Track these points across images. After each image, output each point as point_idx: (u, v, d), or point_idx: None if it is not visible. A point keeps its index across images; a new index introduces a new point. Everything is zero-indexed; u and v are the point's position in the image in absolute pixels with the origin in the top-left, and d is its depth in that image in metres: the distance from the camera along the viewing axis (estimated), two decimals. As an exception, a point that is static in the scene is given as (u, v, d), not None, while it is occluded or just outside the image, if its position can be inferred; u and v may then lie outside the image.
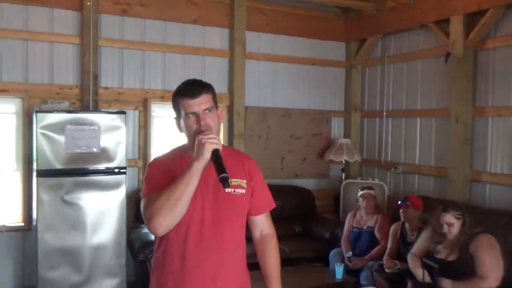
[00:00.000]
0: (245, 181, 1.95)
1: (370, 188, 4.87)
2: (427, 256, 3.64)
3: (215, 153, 1.75)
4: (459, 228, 3.55)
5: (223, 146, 1.86)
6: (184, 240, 1.85)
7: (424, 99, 5.35)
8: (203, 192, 1.86)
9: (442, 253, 3.62)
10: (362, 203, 4.79)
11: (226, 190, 1.84)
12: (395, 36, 5.69)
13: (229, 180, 1.72)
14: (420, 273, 3.67)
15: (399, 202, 4.37)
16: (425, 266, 3.61)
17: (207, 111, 1.87)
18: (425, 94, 5.33)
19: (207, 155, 1.74)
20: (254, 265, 2.10)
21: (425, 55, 5.30)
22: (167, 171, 1.85)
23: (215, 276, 1.89)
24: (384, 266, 4.13)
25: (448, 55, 4.71)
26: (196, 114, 1.86)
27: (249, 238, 2.06)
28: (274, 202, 2.11)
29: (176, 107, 1.92)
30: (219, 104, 1.99)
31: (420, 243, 3.88)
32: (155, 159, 2.00)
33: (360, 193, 4.84)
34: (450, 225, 3.55)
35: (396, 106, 5.72)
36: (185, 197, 1.73)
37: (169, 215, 1.72)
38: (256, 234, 2.07)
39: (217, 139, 1.78)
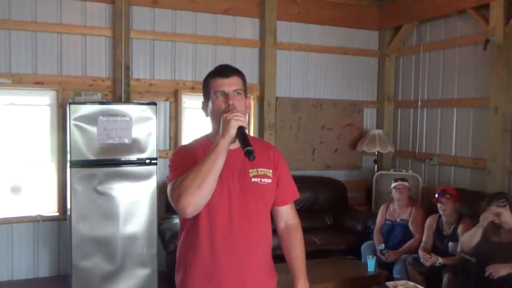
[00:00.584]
0: (271, 170, 1.94)
1: (403, 179, 4.74)
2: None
3: (241, 129, 1.75)
4: (510, 213, 3.57)
5: (248, 135, 1.83)
6: (213, 229, 1.84)
7: (462, 89, 5.16)
8: (229, 180, 1.85)
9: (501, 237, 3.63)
10: (395, 195, 4.68)
11: (253, 180, 1.86)
12: (431, 23, 5.50)
13: (254, 152, 1.70)
14: None
15: (437, 195, 4.24)
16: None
17: (236, 93, 1.87)
18: (463, 83, 5.15)
19: (232, 131, 1.72)
20: (278, 257, 2.07)
21: (463, 42, 5.11)
22: (192, 158, 1.84)
23: (244, 266, 1.88)
24: (425, 261, 4.01)
25: (487, 42, 4.53)
26: (225, 94, 1.86)
27: (273, 230, 2.02)
28: (298, 192, 2.08)
29: (206, 89, 1.93)
30: (248, 95, 1.99)
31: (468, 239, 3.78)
32: (180, 148, 2.01)
33: (393, 184, 4.72)
34: (498, 215, 3.57)
35: (432, 96, 5.54)
36: (212, 175, 1.70)
37: (197, 193, 1.68)
38: (281, 224, 2.05)
39: (243, 117, 1.76)
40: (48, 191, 4.91)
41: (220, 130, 1.75)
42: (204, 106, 1.96)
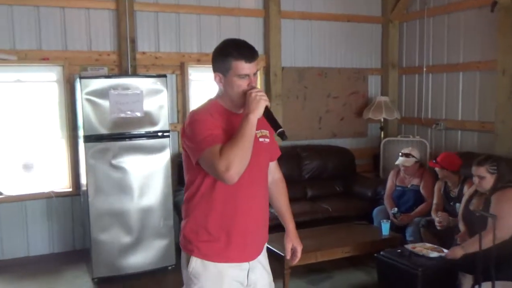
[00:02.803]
0: (267, 131, 2.15)
1: (409, 155, 4.67)
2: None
3: (267, 109, 1.96)
4: (492, 182, 3.48)
5: None
6: (239, 182, 1.91)
7: (467, 53, 5.17)
8: None
9: (473, 205, 3.59)
10: (401, 170, 4.72)
11: (260, 139, 2.07)
12: (435, -13, 5.48)
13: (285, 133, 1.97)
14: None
15: (433, 161, 4.33)
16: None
17: (254, 75, 2.02)
18: (468, 47, 5.16)
19: (261, 109, 1.93)
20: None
21: (468, 6, 5.09)
22: (216, 124, 1.96)
23: (260, 217, 2.13)
24: (437, 221, 4.09)
25: (494, 4, 4.52)
26: (248, 76, 1.98)
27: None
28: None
29: (224, 65, 1.98)
30: None
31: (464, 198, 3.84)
32: (198, 115, 2.01)
33: (399, 160, 4.70)
34: (481, 178, 3.50)
35: (437, 61, 5.56)
36: (251, 146, 1.91)
37: (242, 163, 1.88)
38: (269, 179, 2.24)
39: (267, 97, 1.98)
40: (60, 167, 4.91)
41: (249, 106, 1.92)
42: (218, 78, 2.02)
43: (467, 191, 4.07)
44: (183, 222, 2.13)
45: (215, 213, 2.02)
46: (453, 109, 5.38)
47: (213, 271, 2.04)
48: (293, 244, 2.30)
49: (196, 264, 2.04)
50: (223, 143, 1.88)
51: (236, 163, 1.84)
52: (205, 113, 2.01)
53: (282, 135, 1.95)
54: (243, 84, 1.97)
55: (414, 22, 5.85)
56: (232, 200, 2.01)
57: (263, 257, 2.19)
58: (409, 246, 3.71)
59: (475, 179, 3.55)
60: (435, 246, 3.71)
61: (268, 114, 1.96)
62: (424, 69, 5.67)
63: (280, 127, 1.96)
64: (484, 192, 3.53)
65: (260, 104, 1.92)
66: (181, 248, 2.12)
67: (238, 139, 1.87)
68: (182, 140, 2.03)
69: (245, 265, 2.09)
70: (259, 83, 5.57)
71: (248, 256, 2.09)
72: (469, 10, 5.11)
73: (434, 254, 3.57)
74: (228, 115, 2.03)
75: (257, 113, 1.92)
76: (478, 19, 5.01)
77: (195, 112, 2.04)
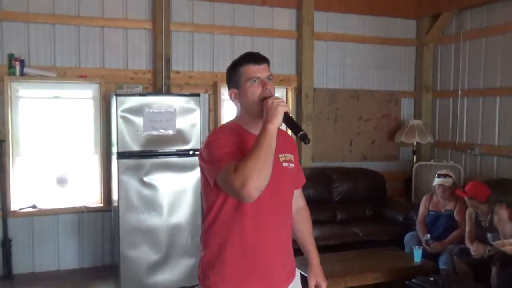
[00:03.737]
0: (292, 156, 2.03)
1: (446, 175, 4.60)
2: None
3: (287, 115, 1.82)
4: None
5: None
6: (260, 209, 1.86)
7: (505, 77, 5.07)
8: None
9: None
10: (438, 191, 4.61)
11: (283, 164, 1.95)
12: (471, 10, 5.40)
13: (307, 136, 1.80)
14: None
15: (462, 190, 4.25)
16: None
17: (268, 79, 1.91)
18: (506, 71, 5.05)
19: (280, 117, 1.78)
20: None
21: (506, 30, 5.00)
22: (233, 144, 1.86)
23: (278, 248, 1.96)
24: (473, 252, 3.97)
25: (534, 28, 4.43)
26: (260, 79, 1.89)
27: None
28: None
29: (236, 77, 1.92)
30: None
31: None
32: (216, 135, 1.93)
33: (436, 181, 4.63)
34: None
35: (472, 85, 5.46)
36: (271, 157, 1.74)
37: (261, 177, 1.70)
38: (293, 207, 2.11)
39: (285, 103, 1.82)
40: (92, 183, 5.00)
41: (267, 115, 1.78)
42: (233, 94, 1.95)
43: (497, 219, 3.96)
44: (201, 253, 2.00)
45: (234, 244, 1.88)
46: (489, 134, 5.26)
47: None
48: (317, 280, 2.15)
49: None
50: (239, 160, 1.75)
51: (253, 176, 1.67)
52: (220, 133, 1.94)
53: (304, 138, 1.78)
54: (256, 89, 1.87)
55: (449, 45, 5.78)
56: (253, 230, 1.87)
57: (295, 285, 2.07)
58: (497, 243, 3.55)
59: None
60: None
61: (288, 119, 1.82)
62: (459, 92, 5.57)
63: (301, 130, 1.80)
64: None
65: (278, 110, 1.77)
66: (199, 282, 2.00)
67: (255, 151, 1.72)
68: (200, 163, 1.93)
69: None
70: (290, 102, 5.59)
71: (267, 285, 1.94)
72: (507, 34, 5.02)
73: None
74: (246, 134, 1.91)
75: (276, 121, 1.76)
76: (516, 44, 4.92)
77: (210, 134, 1.96)
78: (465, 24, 5.52)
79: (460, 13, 5.55)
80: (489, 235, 4.10)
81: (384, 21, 5.96)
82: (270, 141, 1.74)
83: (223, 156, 1.79)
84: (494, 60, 5.19)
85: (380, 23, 5.95)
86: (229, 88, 1.97)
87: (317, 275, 2.16)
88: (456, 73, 5.65)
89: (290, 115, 1.84)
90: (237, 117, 2.00)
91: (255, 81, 1.88)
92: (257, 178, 1.69)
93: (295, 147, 2.10)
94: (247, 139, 1.88)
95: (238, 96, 1.92)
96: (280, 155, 1.92)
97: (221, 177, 1.77)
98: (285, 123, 1.83)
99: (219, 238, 1.90)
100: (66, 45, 4.80)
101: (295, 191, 2.09)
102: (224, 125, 2.06)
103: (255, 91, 1.87)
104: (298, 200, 2.16)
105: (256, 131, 1.84)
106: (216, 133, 1.97)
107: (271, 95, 1.86)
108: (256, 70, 1.89)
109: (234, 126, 1.96)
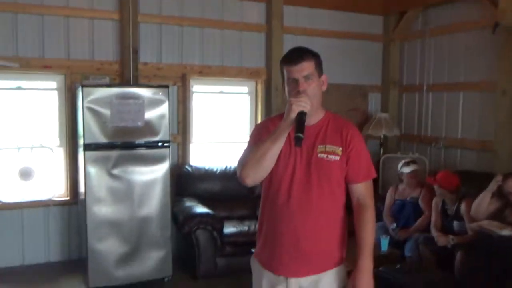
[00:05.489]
0: (340, 148, 1.99)
1: (414, 162, 4.78)
2: None
3: (300, 115, 1.85)
4: None
5: (328, 112, 2.06)
6: (276, 197, 2.00)
7: (468, 73, 5.22)
8: (297, 154, 1.99)
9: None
10: (407, 179, 4.73)
11: (319, 155, 1.97)
12: (436, 8, 5.53)
13: (302, 140, 1.83)
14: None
15: (432, 178, 4.38)
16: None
17: (307, 78, 1.94)
18: (469, 67, 5.20)
19: (292, 115, 1.85)
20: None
21: (469, 27, 5.15)
22: (264, 134, 1.99)
23: (299, 236, 1.98)
24: (437, 241, 4.08)
25: (496, 25, 4.57)
26: (296, 81, 1.94)
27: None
28: (374, 172, 2.08)
29: (282, 73, 2.03)
30: (324, 73, 2.06)
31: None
32: (257, 124, 2.26)
33: (406, 169, 4.74)
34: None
35: (437, 80, 5.59)
36: (271, 153, 1.89)
37: (255, 167, 1.90)
38: (354, 201, 2.06)
39: (305, 102, 1.85)
40: (57, 176, 4.88)
41: (285, 114, 1.88)
42: (283, 87, 2.05)
43: (464, 209, 4.10)
44: None
45: (262, 213, 2.10)
46: (453, 128, 5.41)
47: (256, 270, 2.14)
48: (353, 285, 1.98)
49: (252, 258, 2.18)
50: None
51: (248, 165, 1.90)
52: (260, 124, 2.21)
53: (296, 140, 1.83)
54: (292, 89, 1.95)
55: (415, 41, 5.91)
56: (272, 208, 2.02)
57: (321, 284, 2.01)
58: (475, 224, 3.58)
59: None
60: (502, 225, 3.54)
61: (298, 120, 1.85)
62: (425, 87, 5.71)
63: (300, 132, 1.82)
64: None
65: (291, 109, 1.84)
66: None
67: (259, 144, 1.93)
68: None
69: (282, 279, 2.01)
70: (260, 95, 5.60)
71: (280, 269, 2.01)
72: (471, 31, 5.17)
73: (507, 232, 3.34)
74: None
75: (288, 119, 1.85)
76: (479, 40, 5.06)
77: (262, 120, 2.23)
78: (430, 21, 5.65)
79: (425, 10, 5.68)
80: (455, 223, 4.23)
81: (352, 17, 6.03)
82: (276, 137, 1.88)
83: (247, 145, 2.04)
84: (457, 56, 5.33)
85: (348, 19, 6.02)
86: (282, 81, 2.07)
87: (356, 279, 1.97)
88: (422, 69, 5.78)
89: (305, 116, 1.86)
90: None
91: (291, 81, 1.96)
92: (250, 168, 1.90)
93: (352, 140, 2.00)
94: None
95: (285, 91, 2.03)
96: (319, 146, 1.97)
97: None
98: (295, 122, 1.86)
99: (261, 209, 2.13)
100: (30, 35, 4.67)
101: (355, 186, 2.02)
102: (272, 116, 2.25)
103: (290, 91, 1.96)
104: (359, 196, 2.03)
105: None
106: (259, 123, 2.22)
107: (302, 93, 1.90)
108: (292, 71, 1.95)
109: (276, 118, 2.08)
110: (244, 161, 1.93)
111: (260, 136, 2.00)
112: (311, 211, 1.97)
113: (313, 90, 1.96)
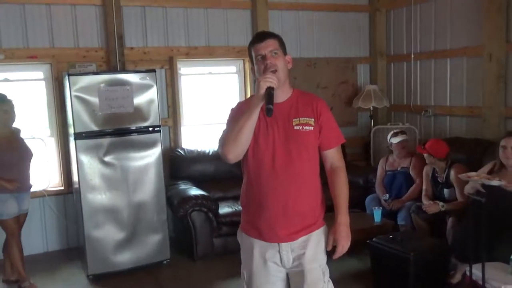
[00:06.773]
0: (313, 119, 2.17)
1: (403, 132, 4.81)
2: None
3: (268, 90, 2.00)
4: None
5: (296, 89, 2.23)
6: (260, 171, 2.14)
7: (454, 39, 5.21)
8: (274, 129, 2.14)
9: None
10: (396, 149, 4.76)
11: (295, 127, 2.13)
12: (421, -26, 5.49)
13: (272, 110, 1.99)
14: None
15: (421, 147, 4.41)
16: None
17: (273, 54, 2.10)
18: (455, 33, 5.19)
19: (261, 92, 2.00)
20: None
21: (454, -9, 5.12)
22: (238, 114, 2.15)
23: (286, 203, 2.13)
24: (426, 210, 4.13)
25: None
26: (264, 56, 2.10)
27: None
28: (343, 138, 2.27)
29: (250, 55, 2.18)
30: (288, 54, 2.22)
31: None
32: (237, 104, 2.30)
33: (394, 139, 4.78)
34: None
35: (424, 48, 5.59)
36: (246, 128, 2.05)
37: (233, 143, 2.06)
38: (327, 167, 2.26)
39: (272, 79, 2.01)
40: (51, 166, 4.89)
41: (256, 91, 2.05)
42: (252, 70, 2.21)
43: (453, 175, 4.14)
44: None
45: (247, 189, 2.22)
46: (441, 96, 5.43)
47: (246, 242, 2.25)
48: (335, 237, 2.17)
49: (238, 233, 2.31)
50: None
51: (227, 142, 2.06)
52: (238, 104, 2.28)
53: (267, 111, 1.99)
54: (261, 64, 2.10)
55: (401, 9, 5.88)
56: (257, 181, 2.15)
57: (310, 244, 2.16)
58: (464, 176, 3.62)
59: (508, 151, 3.61)
60: (489, 176, 3.54)
61: (266, 94, 1.99)
62: (412, 56, 5.70)
63: (269, 104, 1.97)
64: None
65: (260, 85, 1.99)
66: None
67: (235, 121, 2.07)
68: None
69: (275, 245, 2.16)
70: (248, 73, 5.58)
71: (272, 237, 2.15)
72: (455, -5, 5.15)
73: (496, 182, 3.37)
74: None
75: (258, 95, 2.01)
76: (464, 5, 5.04)
77: (238, 102, 2.35)
78: (415, -13, 5.61)
79: (410, -23, 5.64)
80: (445, 191, 4.29)
81: (337, -12, 5.99)
82: (249, 113, 2.03)
83: (227, 122, 2.19)
84: (443, 22, 5.31)
85: (333, -10, 5.98)
86: (251, 65, 2.21)
87: (336, 232, 2.17)
88: (409, 37, 5.77)
89: (274, 89, 2.00)
90: None
91: (259, 58, 2.11)
92: (230, 144, 2.06)
93: (322, 111, 2.17)
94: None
95: (255, 72, 2.16)
96: (294, 119, 2.13)
97: None
98: (264, 96, 2.00)
99: (243, 183, 2.27)
100: (12, 25, 4.62)
101: (328, 152, 2.21)
102: (244, 100, 2.41)
103: (260, 67, 2.10)
104: (332, 161, 2.22)
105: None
106: (236, 104, 2.30)
107: (270, 68, 2.05)
108: (259, 48, 2.11)
109: (249, 99, 2.27)
110: (224, 139, 2.09)
111: (235, 117, 2.14)
112: (295, 179, 2.12)
113: (280, 63, 2.11)
